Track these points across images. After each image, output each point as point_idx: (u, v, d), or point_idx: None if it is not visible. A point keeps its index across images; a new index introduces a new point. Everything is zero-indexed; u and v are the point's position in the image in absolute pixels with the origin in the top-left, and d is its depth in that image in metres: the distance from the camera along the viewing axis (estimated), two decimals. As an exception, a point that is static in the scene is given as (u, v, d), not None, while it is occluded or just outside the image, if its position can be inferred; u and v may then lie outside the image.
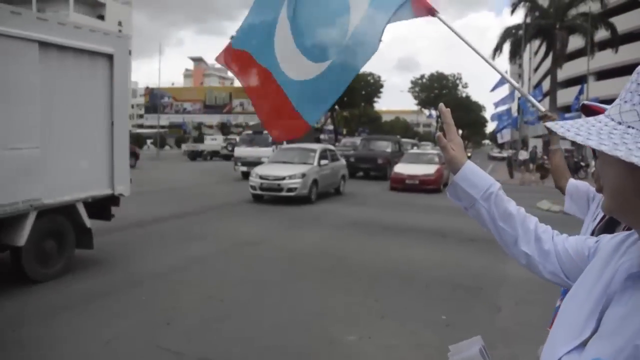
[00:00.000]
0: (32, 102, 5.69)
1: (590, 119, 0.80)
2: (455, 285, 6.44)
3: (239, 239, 8.99)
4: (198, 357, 4.20)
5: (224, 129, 54.24)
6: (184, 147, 42.36)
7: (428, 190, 17.73)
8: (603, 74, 36.87)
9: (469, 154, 55.31)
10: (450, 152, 1.23)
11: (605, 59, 32.93)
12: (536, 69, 56.32)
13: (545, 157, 28.64)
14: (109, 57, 6.80)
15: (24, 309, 5.14)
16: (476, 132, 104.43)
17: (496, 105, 28.39)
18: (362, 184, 20.44)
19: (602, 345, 0.77)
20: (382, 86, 64.45)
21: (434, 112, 74.44)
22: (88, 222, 6.63)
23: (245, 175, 17.91)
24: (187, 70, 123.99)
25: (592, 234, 1.70)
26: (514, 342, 4.59)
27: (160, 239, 8.87)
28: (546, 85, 39.08)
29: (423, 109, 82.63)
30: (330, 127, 65.90)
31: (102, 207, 7.12)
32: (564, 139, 0.87)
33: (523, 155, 27.53)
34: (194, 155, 38.10)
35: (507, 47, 33.89)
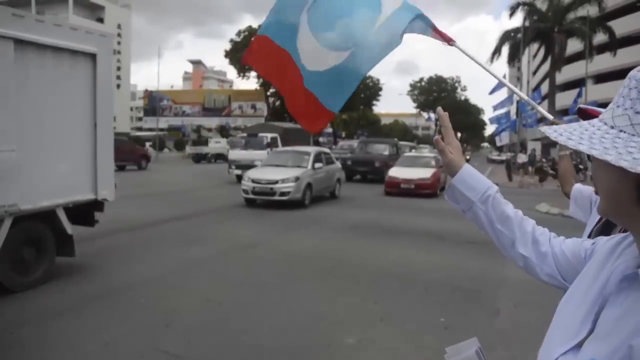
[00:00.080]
0: (6, 102, 5.40)
1: (584, 123, 0.81)
2: (454, 287, 6.45)
3: (237, 242, 8.99)
4: (197, 360, 4.20)
5: (223, 131, 54.25)
6: (188, 149, 42.94)
7: (424, 195, 17.14)
8: (601, 77, 36.98)
9: (468, 157, 55.45)
10: (448, 155, 1.24)
11: (604, 62, 33.04)
12: (535, 72, 56.46)
13: (544, 160, 28.70)
14: (92, 57, 6.52)
15: (22, 311, 5.14)
16: (475, 135, 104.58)
17: (495, 108, 28.45)
18: (359, 187, 20.32)
19: (597, 346, 0.78)
20: (381, 89, 64.66)
21: (432, 115, 74.55)
22: (69, 229, 6.31)
23: (240, 179, 17.48)
24: (186, 73, 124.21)
25: (590, 236, 1.71)
26: (513, 344, 4.59)
27: (158, 242, 8.87)
28: (545, 88, 39.16)
29: (422, 112, 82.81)
30: (329, 130, 65.96)
31: (85, 212, 6.82)
32: None
33: (522, 158, 27.57)
34: (199, 158, 38.42)
35: (505, 50, 34.01)
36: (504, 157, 40.29)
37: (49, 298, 5.58)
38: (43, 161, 5.92)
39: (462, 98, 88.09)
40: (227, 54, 51.38)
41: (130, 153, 28.76)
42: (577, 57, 35.41)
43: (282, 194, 13.32)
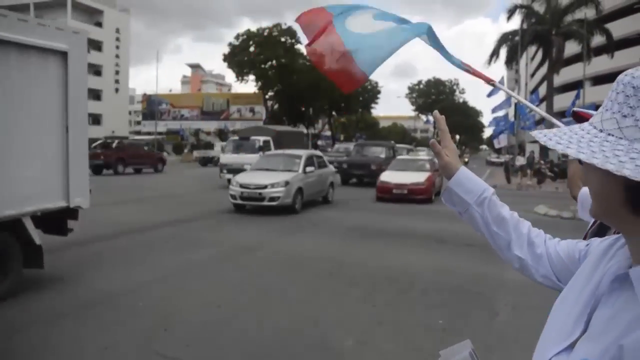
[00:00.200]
0: None
1: (575, 126, 0.82)
2: (452, 290, 6.45)
3: (235, 245, 8.99)
4: (195, 364, 4.20)
5: (222, 135, 54.27)
6: (195, 153, 43.52)
7: (418, 200, 16.09)
8: (599, 79, 37.09)
9: (466, 159, 55.54)
10: (444, 158, 1.25)
11: (601, 64, 33.15)
12: (533, 75, 56.54)
13: (542, 162, 28.75)
14: (63, 55, 6.09)
15: (20, 316, 5.13)
16: (473, 138, 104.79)
17: (493, 110, 28.50)
18: (355, 190, 20.02)
19: (589, 346, 0.79)
20: (379, 92, 64.70)
21: (431, 118, 74.66)
22: (38, 239, 5.87)
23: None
24: (184, 76, 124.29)
25: (585, 237, 1.72)
26: (511, 346, 4.60)
27: (157, 246, 8.86)
28: (543, 90, 39.24)
29: (420, 115, 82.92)
30: (328, 133, 66.07)
31: (57, 221, 6.43)
32: None
33: (520, 160, 27.61)
34: (205, 162, 38.77)
35: (503, 52, 34.13)
36: (502, 159, 40.36)
37: (45, 303, 5.57)
38: (7, 167, 5.50)
39: (461, 100, 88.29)
40: (226, 58, 51.40)
41: (147, 157, 30.13)
42: (575, 59, 35.52)
43: (272, 199, 12.81)
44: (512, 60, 34.75)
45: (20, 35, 5.55)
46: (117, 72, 70.74)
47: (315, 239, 9.85)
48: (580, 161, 0.77)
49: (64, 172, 6.23)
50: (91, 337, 4.63)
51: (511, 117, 28.62)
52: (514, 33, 33.41)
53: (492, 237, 1.23)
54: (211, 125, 60.09)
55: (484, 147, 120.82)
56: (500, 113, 28.23)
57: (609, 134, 0.76)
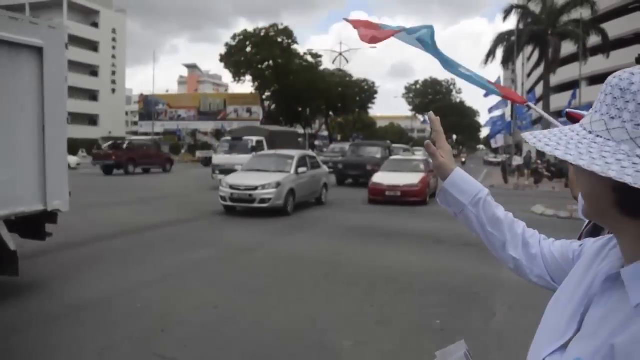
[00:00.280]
0: None
1: (565, 128, 0.83)
2: (449, 290, 6.47)
3: (233, 246, 8.99)
4: (193, 364, 4.20)
5: (219, 135, 54.24)
6: (198, 154, 43.95)
7: (412, 203, 15.37)
8: (595, 79, 37.19)
9: (464, 159, 55.57)
10: (439, 159, 1.26)
11: (597, 64, 33.24)
12: (529, 74, 56.67)
13: (539, 161, 28.80)
14: (38, 51, 5.78)
15: (17, 317, 5.12)
16: (470, 138, 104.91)
17: (490, 110, 28.53)
18: (350, 191, 19.72)
19: (582, 345, 0.80)
20: (376, 92, 64.72)
21: (427, 118, 74.67)
22: (12, 245, 5.51)
23: None
24: (181, 77, 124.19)
25: (580, 237, 1.72)
26: (509, 346, 4.61)
27: (155, 246, 8.86)
28: (539, 90, 39.35)
29: (417, 115, 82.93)
30: (325, 133, 66.07)
31: (35, 225, 6.11)
32: None
33: (517, 160, 27.68)
34: (207, 162, 38.89)
35: (500, 52, 34.18)
36: (500, 159, 40.44)
37: (42, 304, 5.56)
38: None
39: (458, 100, 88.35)
40: (222, 58, 51.34)
41: (156, 157, 30.97)
42: (571, 59, 35.65)
43: (262, 200, 12.43)
44: (508, 61, 34.85)
45: None
46: (113, 73, 70.64)
47: (311, 240, 9.86)
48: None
49: (41, 173, 5.92)
50: (89, 338, 4.63)
51: (508, 117, 28.67)
52: (510, 33, 33.51)
53: (487, 238, 1.24)
54: (208, 126, 60.08)
55: (481, 147, 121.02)
56: (497, 113, 28.20)
57: (598, 136, 0.77)
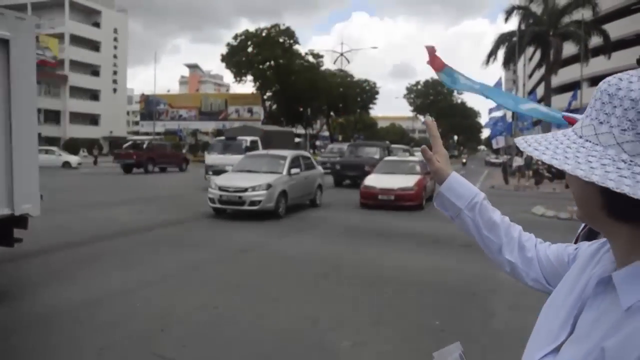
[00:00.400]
0: None
1: (557, 132, 0.84)
2: (448, 290, 6.47)
3: (232, 246, 9.00)
4: (192, 365, 4.21)
5: (220, 135, 54.32)
6: (202, 154, 43.97)
7: (406, 207, 14.40)
8: (597, 80, 36.99)
9: (464, 160, 55.50)
10: (435, 164, 1.26)
11: (599, 65, 33.23)
12: (530, 75, 56.63)
13: (539, 162, 28.76)
14: (4, 43, 5.37)
15: (15, 317, 5.13)
16: (472, 138, 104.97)
17: (491, 111, 28.55)
18: (347, 192, 19.27)
19: (574, 349, 0.80)
20: (377, 92, 64.80)
21: (429, 119, 74.62)
22: None
23: None
24: (182, 77, 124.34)
25: (576, 240, 1.73)
26: (508, 347, 4.61)
27: (154, 246, 8.87)
28: (540, 91, 39.32)
29: (418, 115, 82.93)
30: (326, 133, 66.12)
31: (1, 230, 5.72)
32: None
33: (517, 161, 27.66)
34: None
35: (501, 53, 34.19)
36: (501, 160, 40.44)
37: (43, 303, 5.57)
38: None
39: (459, 101, 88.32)
40: (224, 58, 51.42)
41: (173, 157, 32.72)
42: (573, 60, 35.61)
43: (252, 203, 11.88)
44: (510, 61, 34.84)
45: None
46: (115, 73, 70.68)
47: (309, 241, 9.86)
48: None
49: (7, 175, 5.48)
50: (88, 338, 4.64)
51: (509, 118, 28.66)
52: (511, 34, 33.51)
53: (484, 241, 1.25)
54: (209, 126, 60.10)
55: (482, 147, 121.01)
56: (498, 114, 28.26)
57: (587, 140, 0.78)
